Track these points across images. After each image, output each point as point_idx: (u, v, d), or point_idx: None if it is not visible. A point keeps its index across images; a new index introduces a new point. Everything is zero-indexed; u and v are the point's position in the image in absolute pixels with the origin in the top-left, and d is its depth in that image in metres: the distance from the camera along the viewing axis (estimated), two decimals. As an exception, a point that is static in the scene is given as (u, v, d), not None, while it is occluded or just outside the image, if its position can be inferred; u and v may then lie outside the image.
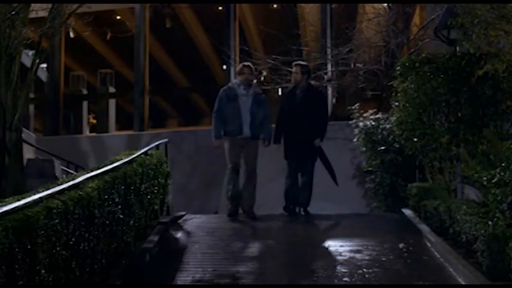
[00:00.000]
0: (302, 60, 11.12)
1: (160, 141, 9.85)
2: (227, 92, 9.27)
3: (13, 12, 8.63)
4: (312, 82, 14.09)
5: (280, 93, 16.46)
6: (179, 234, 8.57)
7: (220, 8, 19.02)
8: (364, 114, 12.86)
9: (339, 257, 7.05)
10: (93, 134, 19.95)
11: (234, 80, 9.42)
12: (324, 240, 7.88)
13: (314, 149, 9.47)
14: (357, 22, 16.48)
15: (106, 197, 6.13)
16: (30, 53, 10.11)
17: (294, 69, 9.72)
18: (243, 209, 9.28)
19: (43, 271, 4.54)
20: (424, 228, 8.20)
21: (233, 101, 9.14)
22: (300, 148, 9.43)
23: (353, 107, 13.29)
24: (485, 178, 6.25)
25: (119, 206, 6.57)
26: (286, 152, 9.58)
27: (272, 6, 19.52)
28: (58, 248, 4.85)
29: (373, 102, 15.97)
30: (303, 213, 9.56)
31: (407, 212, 9.53)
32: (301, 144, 9.41)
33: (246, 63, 9.65)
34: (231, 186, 9.24)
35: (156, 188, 8.52)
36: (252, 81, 9.43)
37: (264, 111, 9.28)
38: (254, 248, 7.44)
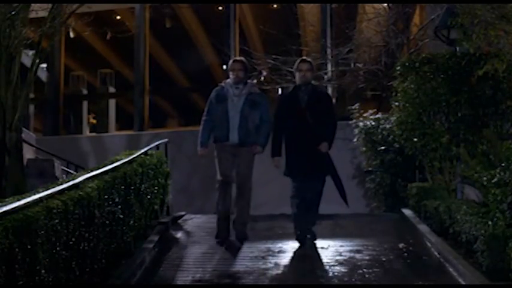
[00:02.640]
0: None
1: (160, 141, 9.85)
2: (218, 93, 7.90)
3: (13, 12, 8.63)
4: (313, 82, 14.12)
5: (280, 93, 16.45)
6: (179, 234, 8.58)
7: (220, 8, 19.03)
8: (364, 114, 12.86)
9: (339, 257, 7.05)
10: (93, 134, 19.95)
11: (228, 79, 7.98)
12: (324, 240, 7.88)
13: (325, 162, 7.63)
14: (357, 22, 16.48)
15: (106, 197, 6.14)
16: (30, 53, 10.12)
17: (302, 66, 7.81)
18: (233, 228, 7.88)
19: (43, 271, 4.54)
20: (424, 228, 8.21)
21: (222, 103, 7.77)
22: (308, 161, 7.57)
23: (353, 107, 13.30)
24: (485, 178, 6.25)
25: (119, 206, 6.57)
26: (290, 167, 7.66)
27: (272, 6, 19.52)
28: (58, 248, 4.85)
29: (373, 102, 15.97)
30: (308, 236, 7.79)
31: (407, 212, 9.54)
32: (309, 156, 7.56)
33: (237, 58, 8.25)
34: (220, 202, 7.82)
35: (156, 188, 8.52)
36: (245, 78, 7.92)
37: (261, 113, 7.79)
38: (254, 248, 7.44)
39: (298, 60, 7.98)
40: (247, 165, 7.80)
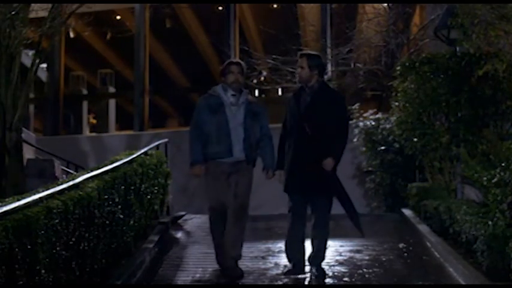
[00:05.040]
0: None
1: (160, 141, 9.84)
2: (209, 101, 6.49)
3: (13, 12, 8.64)
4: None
5: (280, 94, 16.46)
6: (179, 234, 8.58)
7: (220, 8, 19.05)
8: (364, 114, 12.89)
9: (339, 257, 7.05)
10: (93, 134, 19.97)
11: (217, 86, 6.62)
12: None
13: (329, 180, 6.17)
14: (357, 22, 16.52)
15: (106, 197, 6.13)
16: (30, 53, 10.13)
17: (298, 62, 6.38)
18: (223, 263, 6.47)
19: (43, 271, 4.54)
20: (424, 228, 8.21)
21: (218, 113, 6.40)
22: (310, 177, 6.12)
23: (353, 107, 13.32)
24: (485, 178, 6.25)
25: (119, 206, 6.57)
26: (288, 182, 6.28)
27: (272, 6, 19.54)
28: (58, 248, 4.85)
29: (373, 102, 16.00)
30: (315, 273, 6.24)
31: (407, 212, 9.55)
32: (311, 171, 6.10)
33: (234, 60, 6.83)
34: (217, 235, 6.46)
35: (156, 188, 8.52)
36: (243, 84, 6.63)
37: (263, 125, 6.53)
38: (254, 248, 7.43)
39: (299, 55, 6.52)
40: (248, 186, 6.46)
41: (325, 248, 6.25)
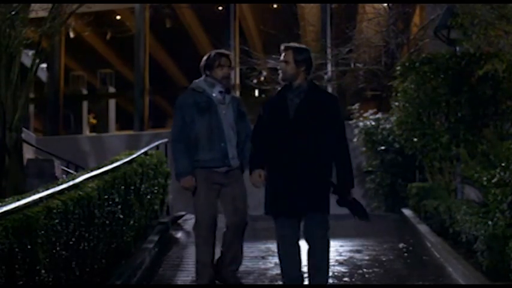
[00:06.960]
0: None
1: (160, 141, 9.85)
2: (196, 99, 5.57)
3: (13, 12, 8.64)
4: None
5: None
6: (179, 234, 8.58)
7: (220, 8, 19.05)
8: (364, 114, 12.90)
9: (339, 257, 7.05)
10: (93, 134, 19.97)
11: (200, 80, 5.75)
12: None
13: (324, 195, 5.06)
14: (357, 22, 16.52)
15: (106, 197, 6.13)
16: (30, 53, 10.13)
17: (283, 55, 5.22)
18: (222, 275, 5.86)
19: (43, 271, 4.54)
20: (424, 228, 8.21)
21: (209, 113, 5.55)
22: (299, 194, 5.01)
23: (353, 107, 13.32)
24: (485, 178, 6.25)
25: (119, 206, 6.57)
26: (273, 202, 5.22)
27: (272, 6, 19.53)
28: (58, 248, 4.85)
29: (373, 102, 16.01)
30: None
31: (407, 212, 9.55)
32: (301, 188, 5.00)
33: (224, 52, 5.82)
34: (206, 255, 5.79)
35: (156, 188, 8.52)
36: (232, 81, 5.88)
37: (247, 126, 5.77)
38: (254, 248, 7.43)
39: (282, 48, 5.28)
40: (245, 197, 5.79)
41: (327, 277, 5.17)
